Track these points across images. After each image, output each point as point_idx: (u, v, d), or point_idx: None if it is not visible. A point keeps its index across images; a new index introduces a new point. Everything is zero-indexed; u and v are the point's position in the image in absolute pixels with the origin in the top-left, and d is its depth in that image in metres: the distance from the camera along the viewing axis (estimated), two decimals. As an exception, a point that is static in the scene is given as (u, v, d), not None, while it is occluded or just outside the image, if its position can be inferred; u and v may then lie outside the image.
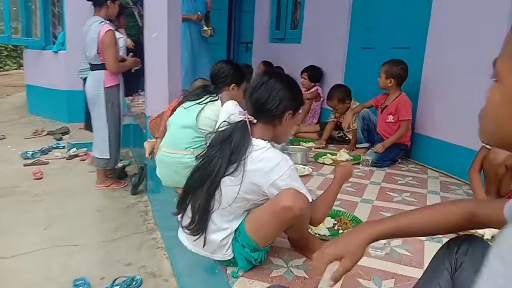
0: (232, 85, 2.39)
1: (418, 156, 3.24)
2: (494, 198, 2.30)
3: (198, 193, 1.49)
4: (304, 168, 2.84)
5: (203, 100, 2.22)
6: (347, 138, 3.74)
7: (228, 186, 1.44)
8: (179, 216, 1.60)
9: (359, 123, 3.37)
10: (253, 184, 1.42)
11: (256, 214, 1.46)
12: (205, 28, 4.74)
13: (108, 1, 3.22)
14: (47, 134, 5.31)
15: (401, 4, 3.45)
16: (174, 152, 2.21)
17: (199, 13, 4.59)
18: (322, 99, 4.54)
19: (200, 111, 2.19)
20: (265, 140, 1.47)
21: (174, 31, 3.38)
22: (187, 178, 1.55)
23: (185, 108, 2.24)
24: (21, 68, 11.33)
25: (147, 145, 2.87)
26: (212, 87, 2.30)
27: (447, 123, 3.00)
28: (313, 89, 4.51)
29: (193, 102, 2.23)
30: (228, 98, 2.35)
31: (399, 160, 3.18)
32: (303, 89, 4.65)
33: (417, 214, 1.03)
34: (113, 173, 3.59)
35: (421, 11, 3.20)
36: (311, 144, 3.63)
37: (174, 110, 2.33)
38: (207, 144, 1.57)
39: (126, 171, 3.81)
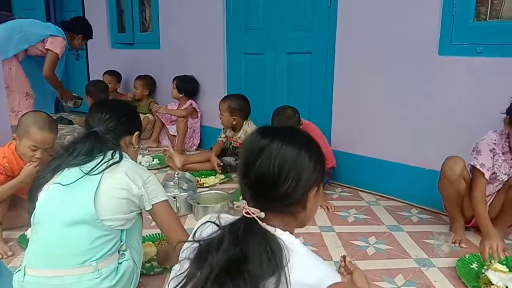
0: (136, 133, 1.49)
1: (339, 176, 2.84)
2: (461, 225, 2.03)
3: None
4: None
5: (98, 165, 1.28)
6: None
7: None
8: None
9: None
10: None
11: None
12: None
13: None
14: None
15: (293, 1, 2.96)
16: (61, 275, 1.20)
17: None
18: (200, 115, 3.79)
19: (97, 188, 1.24)
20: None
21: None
22: None
23: (64, 186, 1.25)
24: None
25: None
26: (106, 136, 1.37)
27: (367, 136, 2.66)
28: (187, 104, 3.72)
29: (76, 171, 1.27)
30: (134, 155, 1.48)
31: (325, 186, 2.72)
32: (172, 106, 3.82)
33: None
34: None
35: (323, 9, 2.77)
36: (212, 179, 2.87)
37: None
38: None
39: None
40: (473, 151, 1.88)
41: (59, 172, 1.30)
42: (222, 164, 3.04)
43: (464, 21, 2.19)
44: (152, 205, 1.35)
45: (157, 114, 3.76)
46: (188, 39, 3.77)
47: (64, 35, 3.31)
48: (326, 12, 2.75)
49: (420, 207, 2.43)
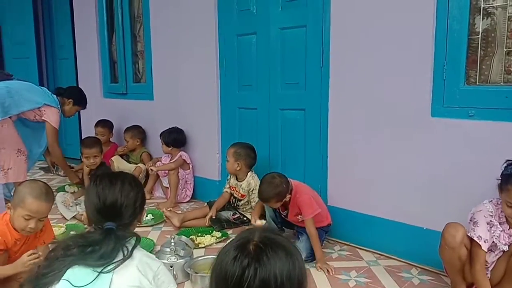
0: (144, 213, 1.46)
1: (336, 232, 2.81)
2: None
3: None
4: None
5: (110, 261, 1.23)
6: (245, 219, 3.07)
7: None
8: None
9: (268, 211, 2.75)
10: None
11: None
12: None
13: None
14: None
15: (286, 56, 3.02)
16: None
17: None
18: (191, 166, 3.77)
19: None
20: None
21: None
22: None
23: (76, 287, 1.19)
24: None
25: None
26: (123, 234, 1.31)
27: (363, 192, 2.67)
28: (177, 157, 3.70)
29: (89, 271, 1.21)
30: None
31: (323, 243, 2.69)
32: (165, 158, 3.80)
33: None
34: None
35: (315, 68, 2.83)
36: (208, 238, 2.81)
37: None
38: None
39: None
40: (470, 221, 1.89)
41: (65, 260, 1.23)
42: (214, 217, 3.00)
43: (454, 85, 2.25)
44: None
45: (151, 169, 3.72)
46: (182, 91, 3.81)
47: (59, 106, 3.35)
48: (318, 72, 2.81)
49: (420, 267, 2.40)
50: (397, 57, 2.43)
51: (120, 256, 1.24)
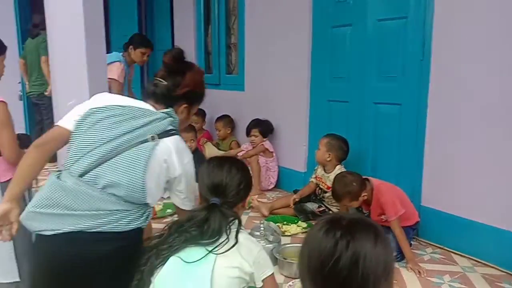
0: (248, 197, 1.53)
1: (428, 233, 2.69)
2: None
3: None
4: None
5: (221, 243, 1.30)
6: (331, 212, 3.06)
7: None
8: None
9: (352, 209, 2.70)
10: None
11: None
12: None
13: None
14: None
15: (383, 48, 2.93)
16: None
17: None
18: (275, 155, 3.84)
19: (213, 270, 1.27)
20: None
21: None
22: None
23: (186, 262, 1.29)
24: None
25: None
26: (227, 212, 1.37)
27: (461, 195, 2.51)
28: (258, 144, 3.81)
29: (202, 249, 1.29)
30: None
31: (411, 243, 2.58)
32: (247, 146, 3.93)
33: None
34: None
35: (414, 61, 2.71)
36: (294, 227, 2.85)
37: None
38: None
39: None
40: None
41: (179, 241, 1.31)
42: (297, 200, 3.04)
43: None
44: (262, 280, 1.35)
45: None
46: (272, 83, 3.88)
47: (121, 59, 3.56)
48: (417, 65, 2.69)
49: (524, 279, 2.22)
50: (510, 54, 2.23)
51: (224, 236, 1.31)
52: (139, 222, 1.37)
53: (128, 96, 3.42)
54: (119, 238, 1.33)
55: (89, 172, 1.33)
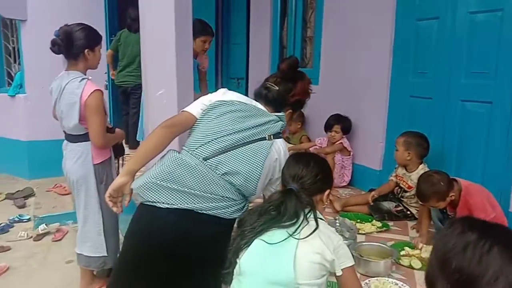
0: (327, 191, 1.54)
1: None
2: None
3: None
4: (397, 284, 2.01)
5: (300, 228, 1.35)
6: (409, 213, 2.95)
7: None
8: None
9: (434, 211, 2.58)
10: None
11: None
12: None
13: (86, 50, 2.28)
14: (5, 199, 4.30)
15: (473, 43, 2.75)
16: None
17: None
18: (352, 153, 3.78)
19: (295, 254, 1.31)
20: None
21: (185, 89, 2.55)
22: None
23: (270, 244, 1.34)
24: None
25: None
26: (303, 197, 1.41)
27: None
28: (338, 141, 3.75)
29: (282, 232, 1.34)
30: (322, 212, 1.53)
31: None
32: (320, 140, 3.92)
33: None
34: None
35: (510, 52, 2.52)
36: (369, 226, 2.80)
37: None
38: None
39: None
40: None
41: (263, 220, 1.37)
42: (376, 197, 2.98)
43: None
44: (342, 269, 1.37)
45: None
46: (349, 77, 3.81)
47: None
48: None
49: None
50: None
51: (303, 220, 1.35)
52: (240, 213, 1.49)
53: (201, 89, 3.58)
54: (220, 224, 1.43)
55: (213, 157, 1.47)
